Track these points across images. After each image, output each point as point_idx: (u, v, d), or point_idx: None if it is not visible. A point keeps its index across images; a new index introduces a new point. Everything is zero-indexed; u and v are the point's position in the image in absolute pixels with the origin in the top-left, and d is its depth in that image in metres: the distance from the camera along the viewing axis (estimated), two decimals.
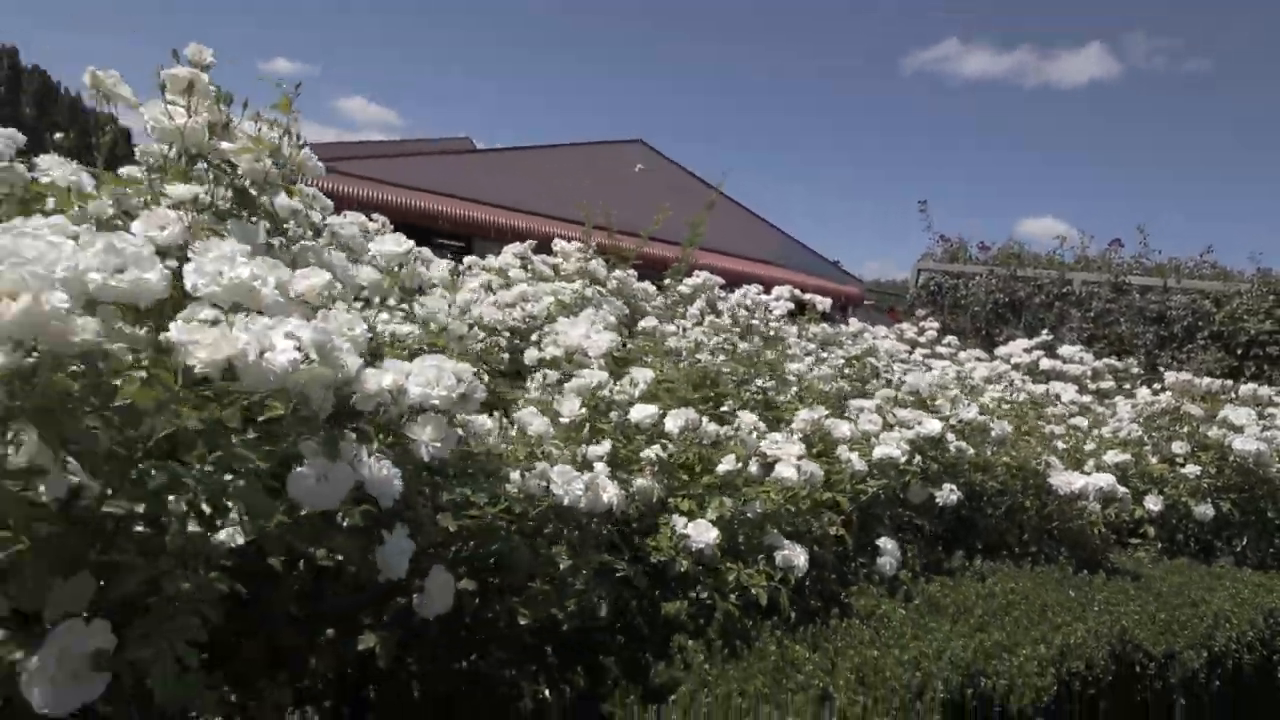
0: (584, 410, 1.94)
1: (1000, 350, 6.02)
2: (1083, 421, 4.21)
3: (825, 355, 4.17)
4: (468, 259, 4.14)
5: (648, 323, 3.59)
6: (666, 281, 4.77)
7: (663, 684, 1.69)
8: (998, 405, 3.92)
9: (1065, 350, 5.95)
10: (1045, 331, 7.32)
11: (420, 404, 1.24)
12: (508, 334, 3.10)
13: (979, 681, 1.96)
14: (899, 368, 4.52)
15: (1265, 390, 4.87)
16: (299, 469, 1.04)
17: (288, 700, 1.30)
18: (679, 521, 1.90)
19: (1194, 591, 2.88)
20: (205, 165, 1.48)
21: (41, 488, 0.83)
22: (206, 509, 0.97)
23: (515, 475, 1.55)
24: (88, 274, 0.82)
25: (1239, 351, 7.95)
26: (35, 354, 0.74)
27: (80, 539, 0.81)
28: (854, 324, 5.76)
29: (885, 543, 2.51)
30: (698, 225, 4.73)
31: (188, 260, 1.10)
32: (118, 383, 0.85)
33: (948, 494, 2.79)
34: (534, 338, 3.08)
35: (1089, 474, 3.25)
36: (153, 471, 0.93)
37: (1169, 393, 4.59)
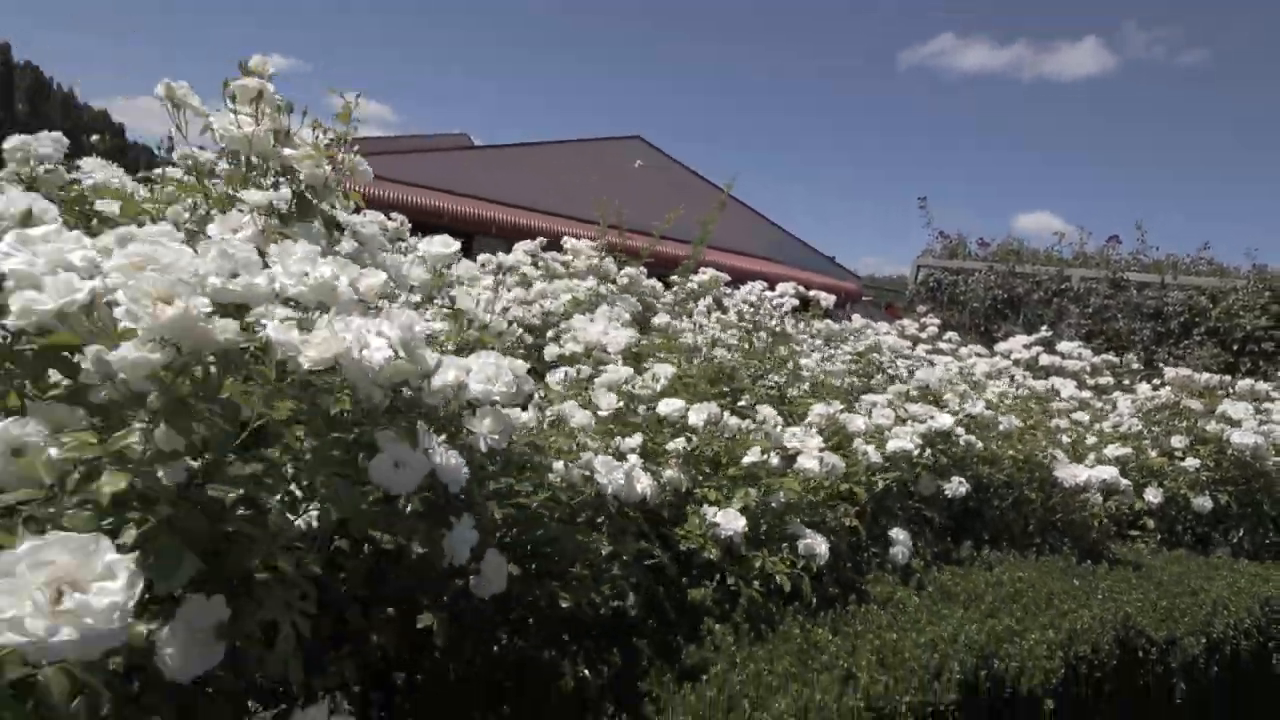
0: (621, 404, 2.03)
1: (1000, 346, 6.10)
2: (1083, 416, 4.31)
3: (832, 351, 4.26)
4: (480, 256, 4.21)
5: (660, 319, 3.67)
6: (673, 278, 4.84)
7: (694, 664, 1.78)
8: (1000, 400, 4.01)
9: (1064, 346, 6.04)
10: (1045, 328, 7.42)
11: (480, 399, 1.32)
12: (525, 330, 3.18)
13: (992, 663, 2.06)
14: (902, 363, 4.61)
15: (1263, 385, 4.98)
16: (380, 456, 1.12)
17: (353, 675, 1.38)
18: (709, 511, 1.99)
19: (1193, 580, 2.98)
20: (265, 170, 1.56)
21: (161, 473, 0.91)
22: (298, 494, 1.06)
23: (558, 465, 1.63)
24: (207, 278, 0.90)
25: (1235, 347, 8.07)
26: (179, 352, 0.82)
27: (199, 519, 0.88)
28: (857, 320, 5.85)
29: (897, 533, 2.60)
30: (708, 224, 4.81)
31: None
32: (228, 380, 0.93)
33: (956, 486, 2.88)
34: (550, 334, 3.17)
35: (1091, 467, 3.34)
36: (249, 459, 1.01)
37: (1169, 388, 4.69)
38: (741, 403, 2.77)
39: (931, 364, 4.84)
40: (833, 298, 5.06)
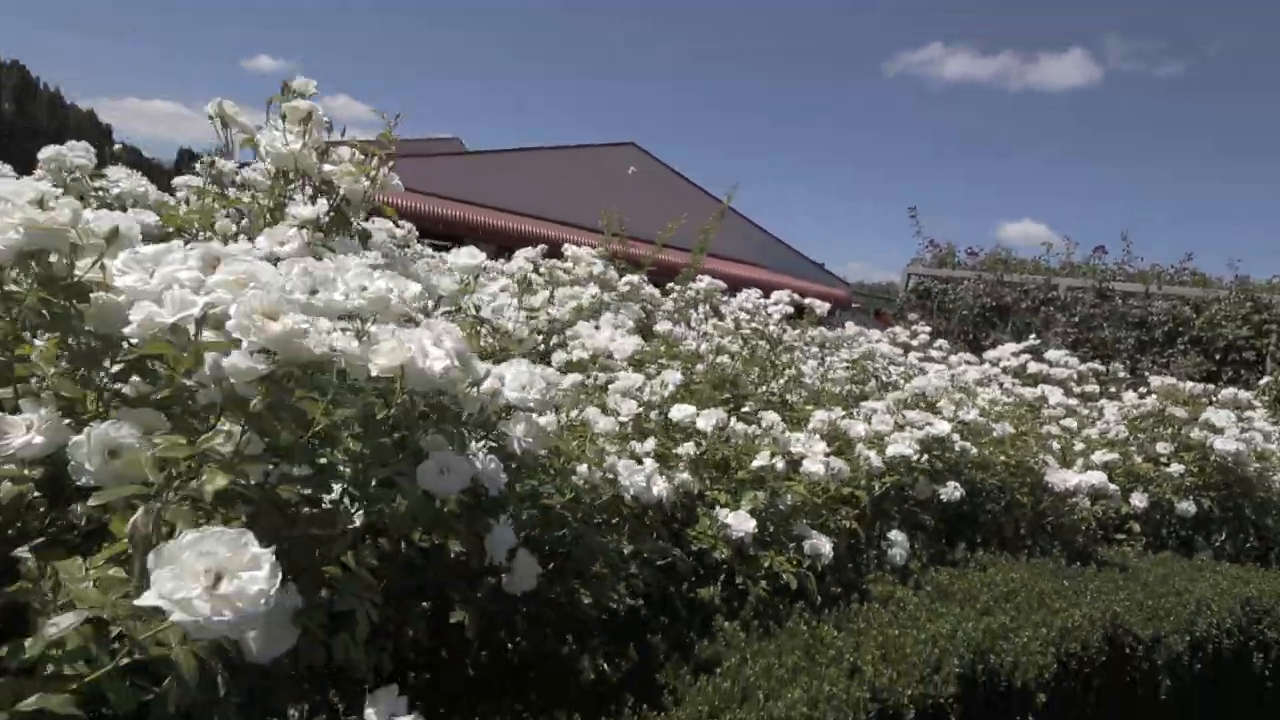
0: (640, 410, 2.11)
1: (989, 354, 6.21)
2: (1072, 423, 4.42)
3: (828, 358, 4.37)
4: (485, 262, 4.28)
5: (662, 326, 3.76)
6: (671, 285, 4.93)
7: (708, 658, 1.86)
8: (990, 407, 4.12)
9: (1052, 354, 6.15)
10: (1032, 336, 7.55)
11: (515, 405, 1.40)
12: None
13: (988, 659, 2.15)
14: (895, 370, 4.72)
15: (1244, 394, 5.12)
16: (427, 463, 1.20)
17: (387, 666, 1.46)
18: (721, 513, 2.08)
19: (1177, 582, 3.09)
20: (302, 185, 1.63)
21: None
22: (355, 492, 1.13)
23: (582, 469, 1.71)
24: (293, 294, 0.97)
25: (1217, 356, 8.25)
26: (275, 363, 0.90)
27: (277, 517, 0.96)
28: (850, 327, 5.95)
29: (895, 535, 2.70)
30: (708, 232, 4.91)
31: None
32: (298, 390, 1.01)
33: (951, 490, 2.98)
34: (554, 341, 3.24)
35: (1080, 473, 3.45)
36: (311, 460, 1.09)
37: (1154, 395, 4.82)
38: (745, 409, 2.86)
39: (924, 371, 4.95)
40: (827, 305, 5.16)
